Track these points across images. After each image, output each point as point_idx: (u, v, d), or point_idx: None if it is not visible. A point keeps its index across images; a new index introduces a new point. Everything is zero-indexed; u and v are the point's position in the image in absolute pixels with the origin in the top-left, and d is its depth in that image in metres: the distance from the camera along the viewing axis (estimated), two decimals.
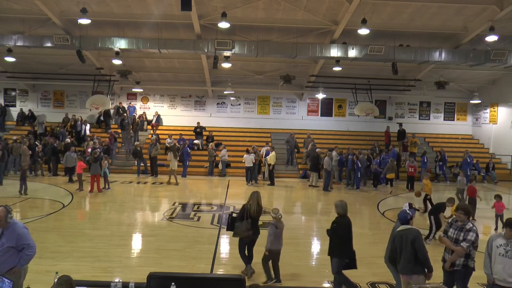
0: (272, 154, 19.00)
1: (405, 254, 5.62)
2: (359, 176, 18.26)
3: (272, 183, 18.65)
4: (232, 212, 8.25)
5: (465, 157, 20.20)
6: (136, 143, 21.18)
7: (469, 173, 19.63)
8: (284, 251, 9.18)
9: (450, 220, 6.32)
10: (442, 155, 21.16)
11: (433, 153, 22.15)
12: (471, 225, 6.03)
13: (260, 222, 11.21)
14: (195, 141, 22.81)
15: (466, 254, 5.87)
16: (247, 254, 7.73)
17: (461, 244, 5.86)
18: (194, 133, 23.27)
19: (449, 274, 6.00)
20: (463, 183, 14.44)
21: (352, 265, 6.82)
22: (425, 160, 20.90)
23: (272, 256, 7.40)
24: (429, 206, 12.96)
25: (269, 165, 18.95)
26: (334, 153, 18.98)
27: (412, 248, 5.57)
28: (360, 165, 18.23)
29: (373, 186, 18.62)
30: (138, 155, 19.90)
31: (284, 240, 9.96)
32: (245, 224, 7.65)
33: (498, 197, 11.48)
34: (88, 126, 23.30)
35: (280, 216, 7.58)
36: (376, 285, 7.40)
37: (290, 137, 21.87)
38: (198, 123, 23.47)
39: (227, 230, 8.30)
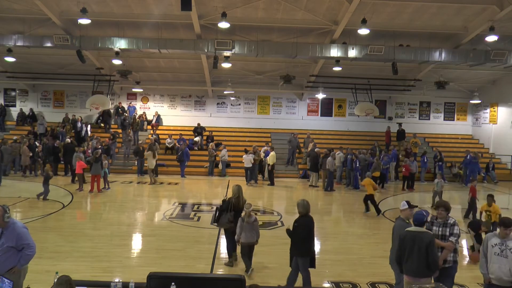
0: (272, 154, 19.00)
1: (418, 257, 5.52)
2: (357, 176, 18.26)
3: (272, 183, 18.65)
4: (220, 205, 8.57)
5: (477, 158, 20.23)
6: (140, 142, 21.15)
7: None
8: (284, 251, 9.20)
9: (430, 218, 6.29)
10: (441, 155, 21.18)
11: (433, 153, 22.14)
12: (453, 219, 6.15)
13: (260, 222, 11.23)
14: (195, 139, 22.79)
15: (453, 249, 5.97)
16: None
17: (449, 239, 5.94)
18: (194, 134, 23.25)
19: (439, 272, 6.00)
20: (440, 186, 14.42)
21: (311, 264, 6.90)
22: (425, 160, 20.94)
23: (244, 248, 7.76)
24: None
25: (268, 165, 18.95)
26: (340, 154, 18.98)
27: (426, 252, 5.50)
28: (358, 165, 18.23)
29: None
30: (139, 154, 19.86)
31: (284, 240, 10.00)
32: (227, 216, 8.18)
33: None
34: (89, 127, 23.30)
35: (250, 211, 7.80)
36: (376, 285, 7.40)
37: (292, 137, 21.87)
38: (199, 124, 23.47)
39: (217, 224, 8.61)
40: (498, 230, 5.66)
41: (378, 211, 13.12)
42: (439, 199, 14.19)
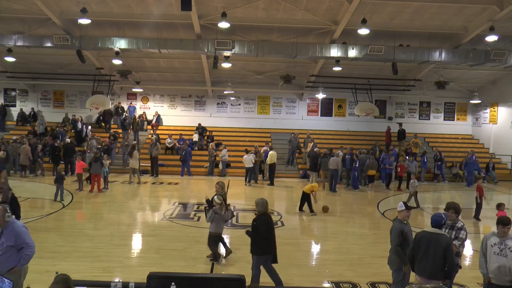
0: (271, 153, 18.94)
1: (434, 258, 5.48)
2: (356, 176, 18.24)
3: (272, 183, 18.61)
4: (207, 206, 8.82)
5: (468, 157, 20.30)
6: (134, 142, 20.99)
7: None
8: (284, 251, 9.21)
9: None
10: (441, 155, 21.19)
11: (433, 153, 22.13)
12: (462, 223, 6.12)
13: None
14: (194, 138, 22.72)
15: (456, 253, 5.92)
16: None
17: (453, 242, 5.91)
18: (195, 132, 23.20)
19: None
20: (415, 186, 14.38)
21: (273, 260, 6.95)
22: (425, 160, 20.94)
23: (212, 238, 8.33)
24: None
25: (267, 164, 18.90)
26: (340, 153, 18.98)
27: (443, 255, 5.45)
28: (357, 165, 18.21)
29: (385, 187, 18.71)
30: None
31: (285, 240, 10.04)
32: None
33: (503, 206, 10.00)
34: (89, 127, 23.27)
35: (221, 204, 8.32)
36: (376, 285, 7.40)
37: (293, 137, 21.88)
38: (199, 124, 23.45)
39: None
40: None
41: (300, 208, 13.14)
42: (415, 199, 14.15)
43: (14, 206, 9.37)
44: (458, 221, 6.08)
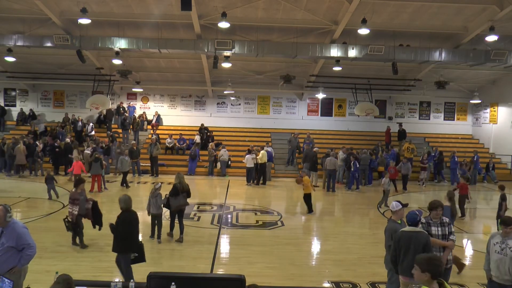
0: (262, 152, 18.78)
1: (414, 257, 5.48)
2: (357, 176, 18.23)
3: (264, 182, 18.54)
4: (166, 194, 9.75)
5: (451, 156, 20.50)
6: (133, 142, 20.95)
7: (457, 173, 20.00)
8: (284, 251, 9.23)
9: (424, 219, 6.21)
10: (441, 155, 21.18)
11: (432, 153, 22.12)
12: (447, 219, 6.21)
13: (260, 222, 11.28)
14: (196, 140, 22.71)
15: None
16: (178, 223, 9.77)
17: (450, 237, 5.98)
18: (199, 134, 23.16)
19: None
20: (387, 183, 14.31)
21: (140, 258, 6.83)
22: (427, 161, 20.93)
23: (154, 218, 9.65)
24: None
25: (259, 164, 18.85)
26: (341, 153, 18.97)
27: (422, 252, 5.41)
28: (358, 165, 18.20)
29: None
30: (134, 155, 19.74)
31: (284, 240, 10.05)
32: (181, 197, 9.62)
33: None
34: (91, 125, 23.20)
35: (158, 188, 9.66)
36: (376, 285, 7.40)
37: (292, 137, 21.87)
38: (202, 124, 23.40)
39: (164, 207, 9.77)
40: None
41: (310, 210, 13.13)
42: (386, 198, 14.07)
43: (96, 214, 9.45)
44: (443, 218, 6.15)
